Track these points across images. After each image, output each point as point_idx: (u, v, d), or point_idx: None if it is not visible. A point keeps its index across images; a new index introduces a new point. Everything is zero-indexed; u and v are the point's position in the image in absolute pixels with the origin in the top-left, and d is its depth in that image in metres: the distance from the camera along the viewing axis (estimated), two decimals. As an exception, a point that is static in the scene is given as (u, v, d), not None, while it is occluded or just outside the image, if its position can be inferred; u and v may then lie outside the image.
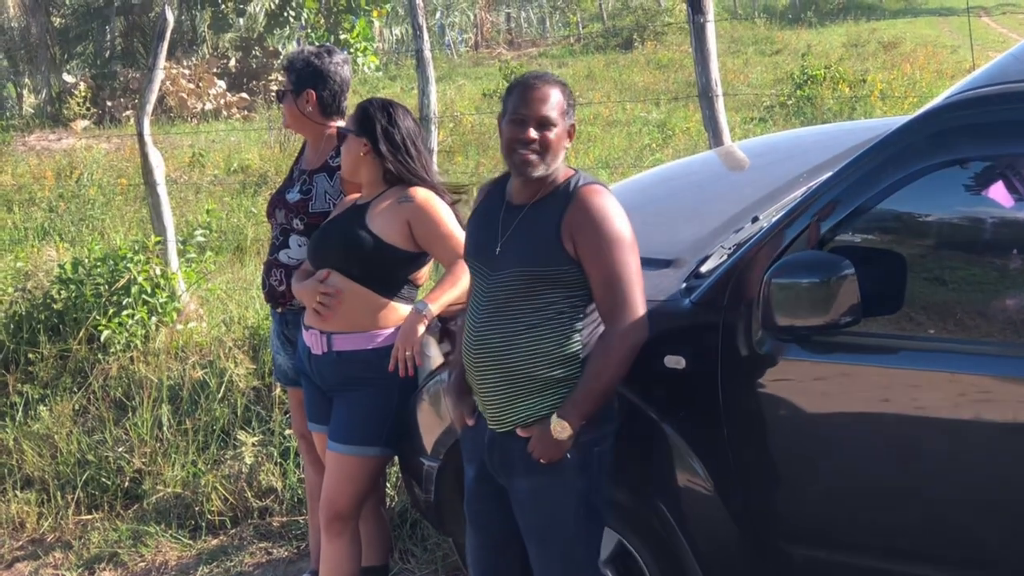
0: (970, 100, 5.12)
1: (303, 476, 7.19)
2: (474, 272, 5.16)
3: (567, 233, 4.89)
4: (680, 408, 5.43)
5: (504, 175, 5.25)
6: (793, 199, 5.73)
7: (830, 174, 5.30)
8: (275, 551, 7.36)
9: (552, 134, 4.92)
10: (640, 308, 4.90)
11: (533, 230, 4.97)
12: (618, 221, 4.88)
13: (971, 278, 5.02)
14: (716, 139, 8.94)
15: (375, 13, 25.92)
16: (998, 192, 5.01)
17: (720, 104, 9.04)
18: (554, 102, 4.97)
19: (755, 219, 5.92)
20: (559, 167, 4.99)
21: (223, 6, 28.02)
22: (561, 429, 4.90)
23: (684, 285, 5.46)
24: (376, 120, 5.94)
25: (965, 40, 24.22)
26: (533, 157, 4.89)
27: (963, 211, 5.14)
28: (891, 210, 5.10)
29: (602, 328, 5.01)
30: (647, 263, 5.10)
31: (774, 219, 5.51)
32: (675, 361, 5.35)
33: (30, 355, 8.98)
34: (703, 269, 5.51)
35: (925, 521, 5.03)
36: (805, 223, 5.11)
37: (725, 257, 5.50)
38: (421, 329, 5.80)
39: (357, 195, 6.16)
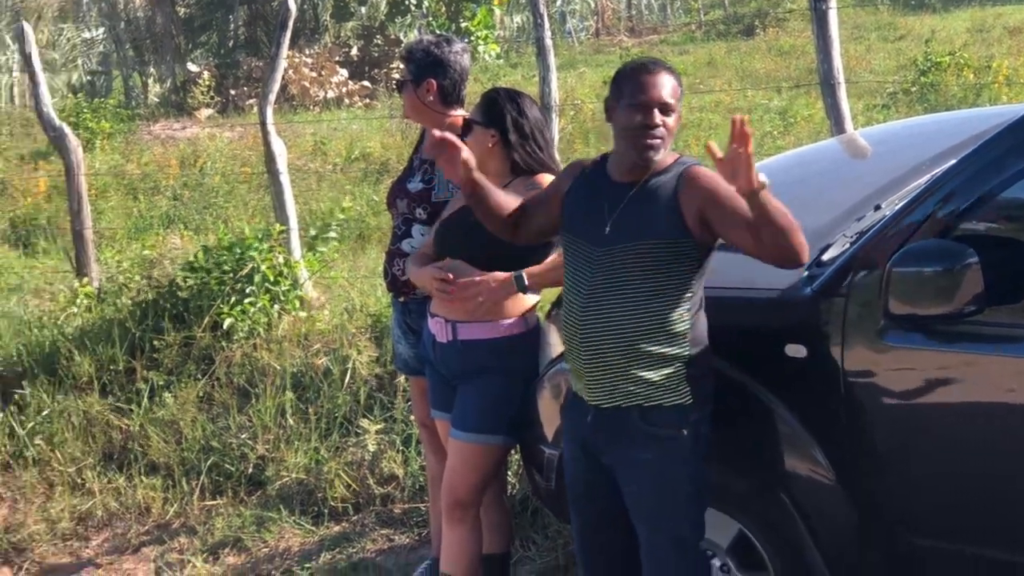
0: None
1: (424, 463, 7.19)
2: (576, 250, 5.17)
3: (688, 207, 4.93)
4: (801, 397, 5.42)
5: (601, 157, 5.32)
6: (916, 187, 5.70)
7: (954, 162, 5.27)
8: (396, 538, 7.39)
9: (671, 120, 4.96)
10: None
11: (648, 206, 5.01)
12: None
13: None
14: (838, 127, 8.95)
15: (496, 1, 25.93)
16: None
17: (842, 91, 9.05)
18: (671, 88, 5.01)
19: (878, 207, 5.88)
20: None
21: (345, -5, 28.36)
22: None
23: (806, 274, 5.42)
24: (506, 111, 5.96)
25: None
26: (657, 142, 4.93)
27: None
28: (1017, 198, 5.05)
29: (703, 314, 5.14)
30: (768, 253, 5.02)
31: (897, 207, 5.48)
32: (796, 350, 5.34)
33: (155, 342, 9.05)
34: (825, 258, 5.49)
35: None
36: (928, 211, 5.07)
37: (847, 246, 5.47)
38: (508, 297, 5.89)
39: None
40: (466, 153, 5.24)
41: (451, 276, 5.78)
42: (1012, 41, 24.99)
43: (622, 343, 5.02)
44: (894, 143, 7.42)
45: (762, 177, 4.66)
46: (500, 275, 5.79)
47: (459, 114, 6.50)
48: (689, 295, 5.06)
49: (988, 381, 5.06)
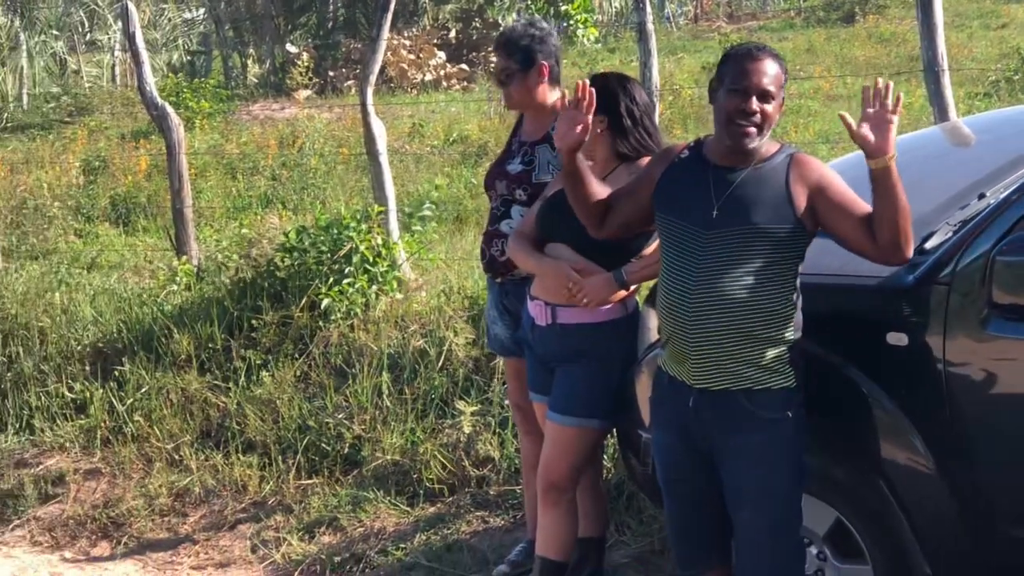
0: None
1: (519, 446, 7.20)
2: (680, 233, 5.15)
3: (798, 193, 5.01)
4: (902, 385, 5.41)
5: (695, 142, 5.34)
6: (1020, 176, 5.66)
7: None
8: (491, 520, 7.43)
9: (771, 107, 4.99)
10: None
11: (758, 190, 5.05)
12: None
13: None
14: (941, 115, 8.99)
15: (595, -15, 25.89)
16: None
17: (946, 79, 9.08)
18: (773, 75, 5.04)
19: (981, 196, 5.84)
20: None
21: (444, -23, 28.33)
22: None
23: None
24: (619, 96, 5.96)
25: None
26: (752, 129, 4.96)
27: None
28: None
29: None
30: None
31: (1001, 196, 5.46)
32: (897, 338, 5.33)
33: (253, 321, 9.13)
34: (927, 246, 5.46)
35: None
36: None
37: (950, 234, 5.45)
38: (612, 296, 5.91)
39: None
40: (590, 119, 5.23)
41: (578, 279, 5.86)
42: None
43: (734, 324, 5.04)
44: (998, 132, 7.37)
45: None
46: (602, 276, 5.86)
47: (560, 98, 6.56)
48: (795, 280, 5.11)
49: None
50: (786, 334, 5.11)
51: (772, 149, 5.16)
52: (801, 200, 5.03)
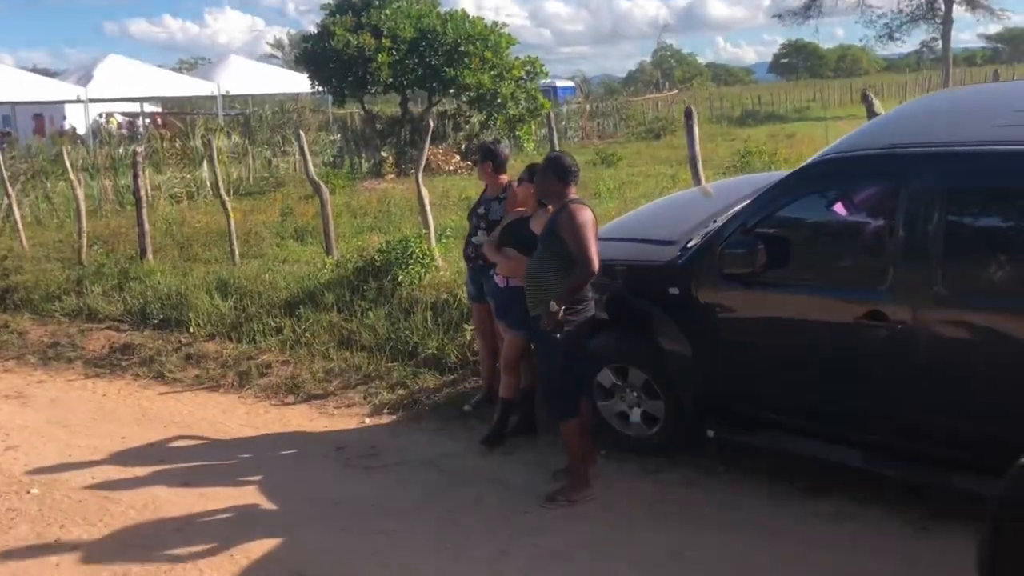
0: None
1: (478, 346, 7.34)
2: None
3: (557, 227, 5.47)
4: (676, 312, 5.54)
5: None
6: (734, 211, 5.78)
7: (750, 200, 5.39)
8: (473, 382, 7.50)
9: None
10: None
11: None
12: None
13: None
14: (696, 182, 8.75)
15: (524, 131, 25.98)
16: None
17: (699, 165, 8.67)
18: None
19: (715, 221, 5.97)
20: None
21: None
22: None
23: (679, 253, 5.50)
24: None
25: None
26: None
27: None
28: (781, 216, 5.19)
29: None
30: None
31: (724, 221, 5.71)
32: (674, 290, 5.54)
33: (363, 287, 9.17)
34: (689, 245, 5.59)
35: None
36: (739, 223, 5.34)
37: (700, 239, 5.63)
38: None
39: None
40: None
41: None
42: (790, 141, 24.86)
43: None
44: (724, 190, 7.50)
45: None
46: (524, 261, 5.82)
47: (505, 177, 6.77)
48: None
49: (768, 306, 5.20)
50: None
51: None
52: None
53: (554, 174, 5.44)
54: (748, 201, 5.45)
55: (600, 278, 5.45)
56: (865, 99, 7.10)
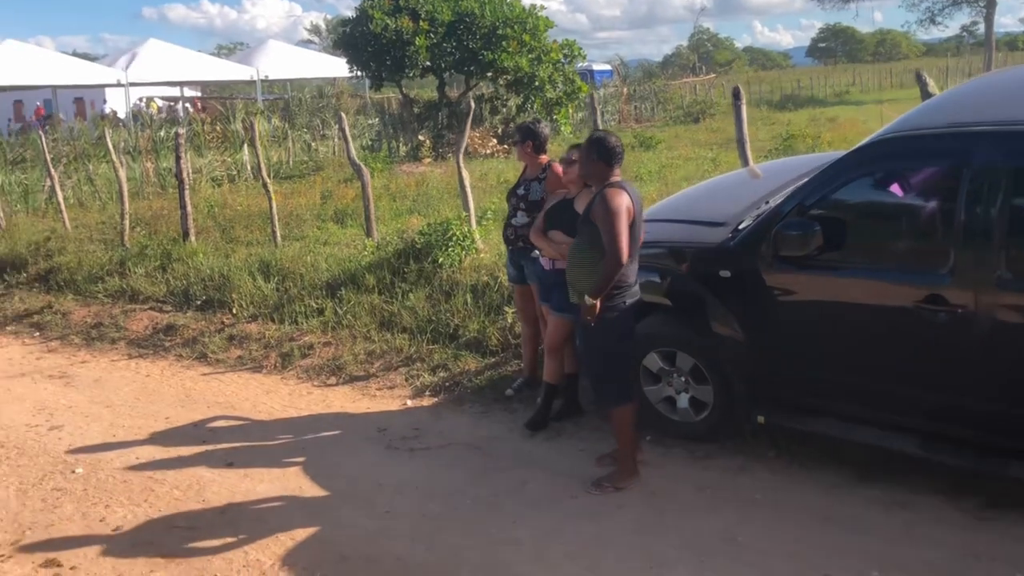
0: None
1: (520, 329, 7.28)
2: None
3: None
4: (727, 295, 5.43)
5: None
6: (788, 192, 5.66)
7: (806, 180, 5.26)
8: (519, 365, 7.42)
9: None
10: None
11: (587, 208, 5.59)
12: None
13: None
14: (744, 163, 8.61)
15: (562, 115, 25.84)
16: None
17: (748, 147, 8.63)
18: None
19: (767, 202, 5.85)
20: None
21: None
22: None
23: (730, 235, 5.38)
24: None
25: None
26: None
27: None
28: (838, 199, 5.06)
29: None
30: None
31: (778, 202, 5.52)
32: (726, 273, 5.43)
33: (404, 269, 9.13)
34: (741, 227, 5.48)
35: None
36: (794, 203, 5.18)
37: (752, 221, 5.49)
38: None
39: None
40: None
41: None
42: (831, 124, 24.55)
43: None
44: (773, 171, 7.36)
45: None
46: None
47: (545, 157, 6.71)
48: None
49: (823, 290, 5.07)
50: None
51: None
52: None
53: (598, 155, 5.28)
54: (803, 181, 5.32)
55: (654, 260, 5.35)
56: (919, 80, 6.92)
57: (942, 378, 4.70)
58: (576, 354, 6.33)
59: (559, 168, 6.34)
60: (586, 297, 5.13)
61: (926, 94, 6.77)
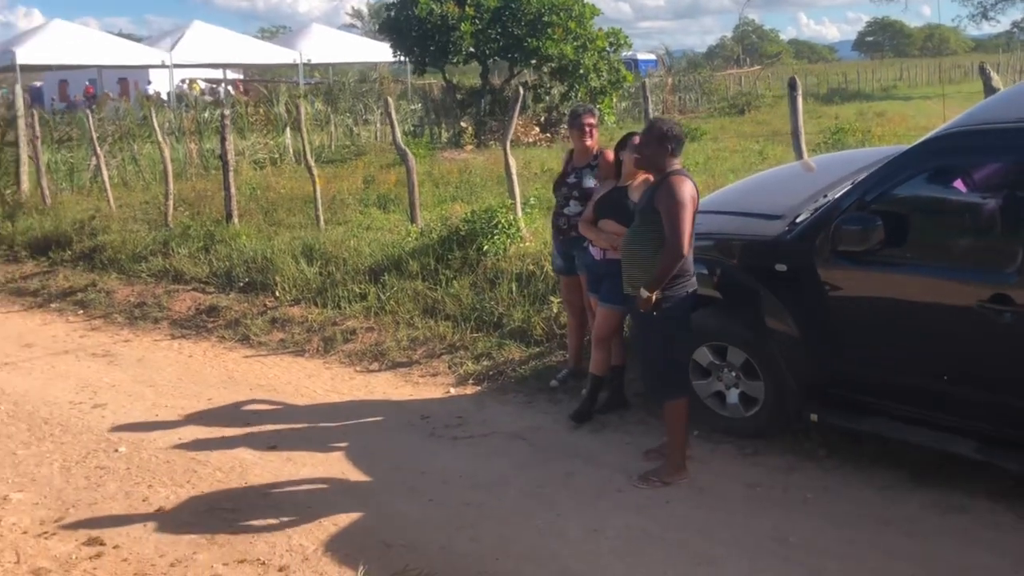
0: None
1: (567, 320, 7.27)
2: None
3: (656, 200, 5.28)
4: (782, 290, 5.33)
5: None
6: (847, 185, 5.56)
7: (867, 174, 5.14)
8: (564, 355, 7.33)
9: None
10: None
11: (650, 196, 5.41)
12: None
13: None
14: (798, 156, 8.41)
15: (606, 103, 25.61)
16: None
17: (802, 139, 8.41)
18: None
19: (825, 196, 5.73)
20: None
21: None
22: None
23: (786, 228, 5.27)
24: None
25: None
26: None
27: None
28: (899, 194, 4.94)
29: None
30: None
31: (838, 195, 5.38)
32: (781, 266, 5.33)
33: (448, 256, 9.09)
34: (798, 220, 5.38)
35: None
36: (855, 198, 5.08)
37: (809, 214, 5.37)
38: None
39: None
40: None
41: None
42: (880, 119, 24.23)
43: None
44: (829, 164, 7.23)
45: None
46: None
47: (594, 144, 6.68)
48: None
49: (883, 286, 4.96)
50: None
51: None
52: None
53: (658, 141, 5.21)
54: (864, 175, 5.20)
55: (705, 253, 5.25)
56: (983, 73, 6.77)
57: (1004, 380, 4.58)
58: (628, 346, 6.26)
59: (611, 155, 6.26)
60: (642, 290, 5.06)
61: (990, 88, 6.62)
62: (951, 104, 20.48)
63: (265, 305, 9.50)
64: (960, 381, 4.74)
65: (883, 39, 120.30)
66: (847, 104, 35.54)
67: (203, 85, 38.43)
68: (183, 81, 37.59)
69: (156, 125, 14.78)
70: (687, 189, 5.04)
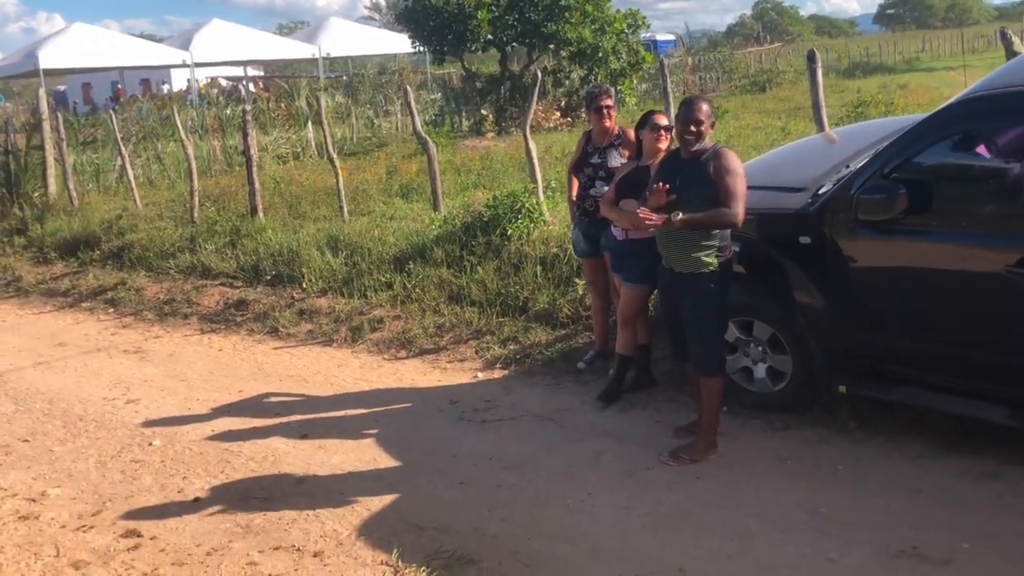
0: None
1: (591, 302, 7.24)
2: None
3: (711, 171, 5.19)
4: (807, 262, 5.31)
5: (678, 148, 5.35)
6: (868, 155, 5.51)
7: (887, 143, 5.10)
8: (590, 337, 7.36)
9: (702, 127, 5.17)
10: None
11: (696, 171, 5.23)
12: None
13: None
14: (819, 128, 8.41)
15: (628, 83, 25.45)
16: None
17: (823, 112, 8.44)
18: (705, 111, 5.22)
19: (847, 166, 5.69)
20: None
21: None
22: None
23: (810, 200, 5.28)
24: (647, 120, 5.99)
25: None
26: (690, 138, 5.23)
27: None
28: (920, 162, 4.88)
29: None
30: None
31: (859, 165, 5.33)
32: (805, 239, 5.29)
33: (472, 242, 9.11)
34: (820, 192, 5.39)
35: None
36: (876, 167, 5.04)
37: (832, 185, 5.35)
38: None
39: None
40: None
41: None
42: (903, 91, 23.99)
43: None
44: (850, 135, 7.17)
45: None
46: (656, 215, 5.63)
47: (613, 124, 6.70)
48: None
49: (908, 255, 4.92)
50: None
51: (707, 147, 5.15)
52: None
53: (713, 116, 5.29)
54: (885, 144, 5.15)
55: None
56: (1004, 38, 6.70)
57: (1034, 345, 4.54)
58: (653, 324, 6.25)
59: (632, 133, 6.23)
60: (678, 215, 5.03)
61: (1012, 54, 6.54)
62: (973, 74, 20.31)
63: (292, 297, 9.56)
64: (988, 347, 4.70)
65: (904, 11, 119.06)
66: (869, 78, 35.20)
67: (224, 83, 38.62)
68: (205, 78, 37.84)
69: (179, 123, 14.88)
70: (739, 162, 5.14)
